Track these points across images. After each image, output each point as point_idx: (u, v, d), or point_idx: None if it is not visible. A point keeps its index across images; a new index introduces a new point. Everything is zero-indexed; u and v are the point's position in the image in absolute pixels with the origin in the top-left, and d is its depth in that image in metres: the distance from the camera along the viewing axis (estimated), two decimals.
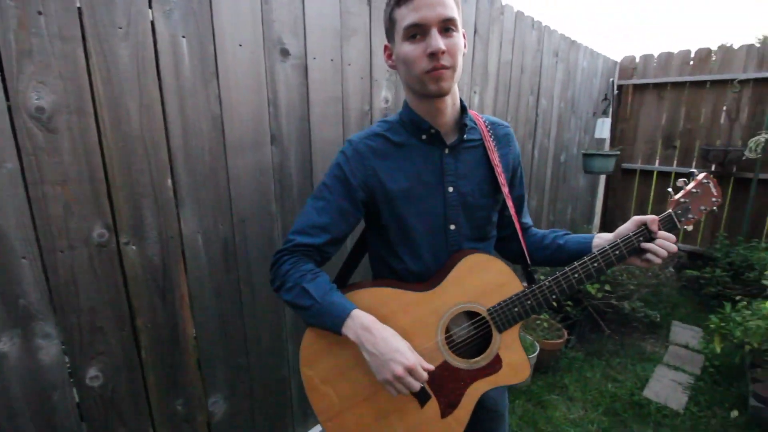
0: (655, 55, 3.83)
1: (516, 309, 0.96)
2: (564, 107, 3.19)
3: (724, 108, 3.51)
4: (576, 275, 0.96)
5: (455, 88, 0.91)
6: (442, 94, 0.87)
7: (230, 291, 1.32)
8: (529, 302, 0.96)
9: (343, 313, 0.85)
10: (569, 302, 2.83)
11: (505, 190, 1.02)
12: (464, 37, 0.88)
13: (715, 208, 1.02)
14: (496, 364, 0.97)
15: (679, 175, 3.83)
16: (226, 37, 1.16)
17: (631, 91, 3.95)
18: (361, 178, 0.94)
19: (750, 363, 2.37)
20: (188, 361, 1.25)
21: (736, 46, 3.44)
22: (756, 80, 3.33)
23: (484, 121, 1.03)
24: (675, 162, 3.84)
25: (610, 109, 3.53)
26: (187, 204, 1.17)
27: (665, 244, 0.96)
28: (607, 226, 4.26)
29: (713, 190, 1.01)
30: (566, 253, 1.07)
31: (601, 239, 1.03)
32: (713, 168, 3.58)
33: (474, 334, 1.00)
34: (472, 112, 1.02)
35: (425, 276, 1.00)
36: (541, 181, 3.10)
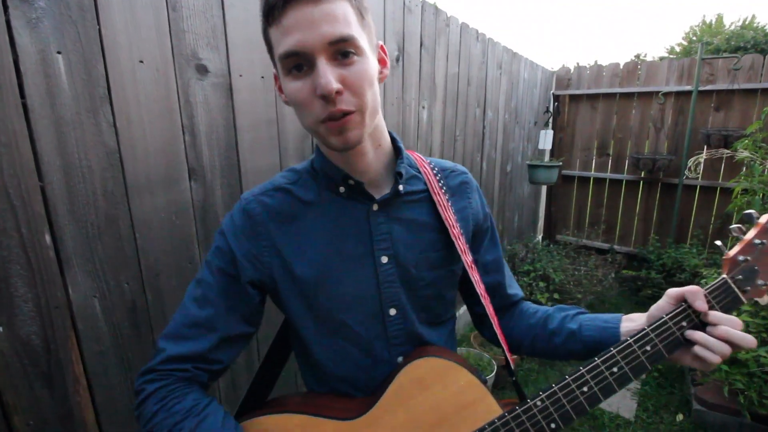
0: (588, 67, 3.99)
1: None
2: (509, 118, 3.21)
3: (650, 121, 3.73)
4: (586, 389, 0.62)
5: (379, 124, 0.68)
6: (349, 148, 0.62)
7: (144, 362, 1.08)
8: None
9: None
10: None
11: (467, 258, 0.76)
12: (384, 52, 0.66)
13: None
14: None
15: (613, 182, 4.03)
16: (121, 52, 0.93)
17: (567, 102, 4.09)
18: (251, 253, 0.68)
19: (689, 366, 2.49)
20: None
21: (658, 58, 3.66)
22: (677, 93, 3.56)
23: (432, 167, 0.78)
24: (609, 168, 4.04)
25: (551, 122, 3.61)
26: (76, 263, 0.92)
27: (727, 332, 0.60)
28: (550, 231, 4.39)
29: None
30: (582, 343, 0.73)
31: (633, 323, 0.70)
32: (643, 174, 3.80)
33: None
34: (414, 155, 0.79)
35: (362, 388, 0.74)
36: (490, 191, 3.08)
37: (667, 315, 0.64)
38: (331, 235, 0.70)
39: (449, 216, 0.75)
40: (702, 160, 2.59)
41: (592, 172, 4.12)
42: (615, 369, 0.62)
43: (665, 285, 3.33)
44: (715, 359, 0.60)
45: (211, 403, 0.65)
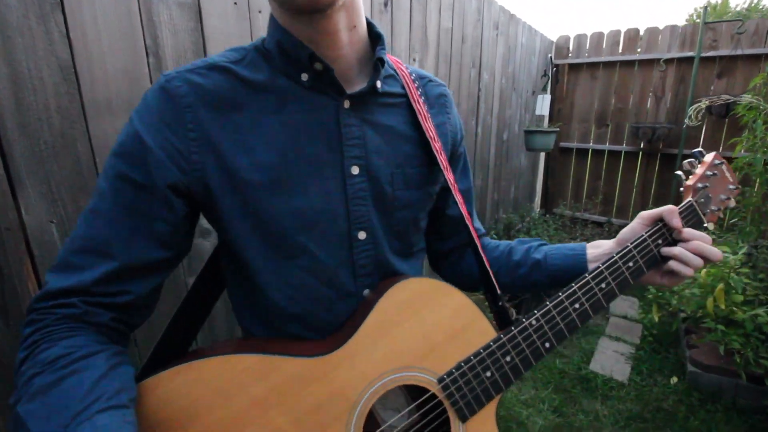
0: (588, 35, 3.88)
1: (489, 373, 0.59)
2: (505, 83, 3.12)
3: (651, 90, 3.64)
4: (578, 305, 0.62)
5: (355, 1, 0.55)
6: (319, 8, 0.49)
7: None
8: (509, 358, 0.60)
9: None
10: None
11: (450, 176, 0.67)
12: None
13: (734, 199, 0.75)
14: None
15: (612, 153, 3.96)
16: None
17: (566, 71, 3.99)
18: (173, 147, 0.52)
19: (685, 329, 2.46)
20: None
21: (661, 27, 3.56)
22: (679, 60, 3.46)
23: (410, 72, 0.68)
24: (608, 140, 3.96)
25: (549, 86, 3.52)
26: (29, 184, 0.86)
27: (699, 246, 0.64)
28: (547, 204, 4.33)
29: (728, 175, 0.75)
30: (548, 272, 0.71)
31: (599, 249, 0.70)
32: (642, 145, 3.73)
33: (419, 428, 0.61)
34: (390, 58, 0.67)
35: (319, 328, 0.61)
36: (485, 159, 3.01)
37: (646, 233, 0.66)
38: (288, 134, 0.55)
39: (430, 127, 0.65)
40: (704, 107, 2.51)
41: (591, 144, 4.04)
42: (603, 285, 0.63)
43: None
44: (689, 272, 0.64)
45: (95, 355, 0.46)
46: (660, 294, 2.42)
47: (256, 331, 0.64)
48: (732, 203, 0.75)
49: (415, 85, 0.67)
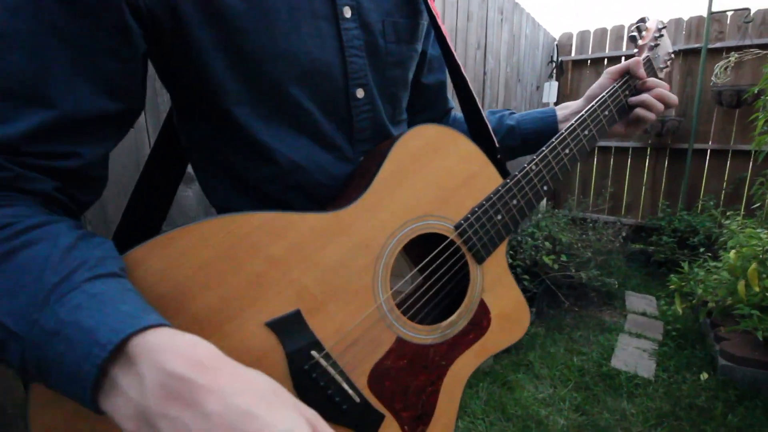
0: (592, 31, 3.84)
1: (500, 216, 0.61)
2: (510, 72, 3.03)
3: None
4: (567, 151, 0.66)
5: None
6: None
7: None
8: (515, 201, 0.62)
9: (87, 360, 0.30)
10: (526, 275, 2.62)
11: (441, 24, 0.63)
12: None
13: (671, 59, 0.84)
14: (482, 319, 0.60)
15: (619, 150, 3.86)
16: None
17: (570, 67, 3.93)
18: None
19: (710, 323, 2.28)
20: None
21: (665, 20, 3.52)
22: (685, 52, 3.41)
23: None
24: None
25: (555, 73, 3.45)
26: None
27: (660, 92, 0.71)
28: (554, 201, 4.20)
29: (668, 42, 0.83)
30: (521, 136, 0.76)
31: (568, 109, 0.76)
32: (650, 141, 3.63)
33: (439, 277, 0.61)
34: None
35: (320, 197, 0.56)
36: None
37: (616, 84, 0.72)
38: None
39: None
40: (732, 61, 2.40)
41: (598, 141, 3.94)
42: (586, 132, 0.69)
43: (678, 249, 3.13)
44: (652, 116, 0.72)
45: (51, 224, 0.36)
46: (683, 284, 2.26)
47: (240, 207, 0.55)
48: (669, 69, 0.88)
49: None
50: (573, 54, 3.91)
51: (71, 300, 0.31)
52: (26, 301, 0.32)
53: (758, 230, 1.89)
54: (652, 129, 3.46)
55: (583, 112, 0.69)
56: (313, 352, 0.45)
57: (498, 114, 0.80)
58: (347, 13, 0.51)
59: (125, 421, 0.29)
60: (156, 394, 0.29)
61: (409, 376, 0.54)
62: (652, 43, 0.78)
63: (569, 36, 3.94)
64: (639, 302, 2.93)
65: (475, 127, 0.69)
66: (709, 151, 3.43)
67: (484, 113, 0.69)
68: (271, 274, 0.45)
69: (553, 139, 0.66)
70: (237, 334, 0.42)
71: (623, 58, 3.68)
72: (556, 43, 3.73)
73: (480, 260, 0.61)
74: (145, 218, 0.57)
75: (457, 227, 0.58)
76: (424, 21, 0.62)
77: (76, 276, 0.33)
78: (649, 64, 0.76)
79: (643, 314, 2.76)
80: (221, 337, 0.42)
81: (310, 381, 0.45)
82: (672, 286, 2.28)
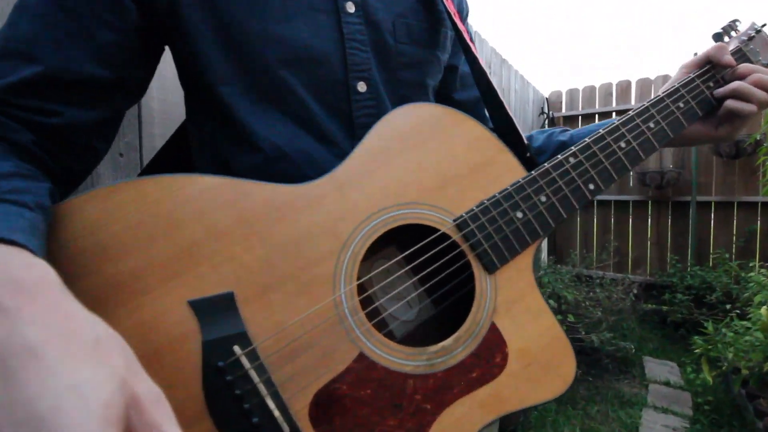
0: (580, 89, 3.91)
1: (520, 214, 0.49)
2: None
3: None
4: (623, 144, 0.54)
5: None
6: None
7: None
8: (544, 198, 0.50)
9: None
10: None
11: (468, 36, 0.60)
12: None
13: None
14: (491, 354, 0.43)
15: (619, 204, 3.74)
16: None
17: (561, 123, 3.94)
18: None
19: (747, 393, 1.97)
20: None
21: (652, 77, 3.58)
22: None
23: None
24: (612, 189, 3.76)
25: (547, 124, 3.42)
26: None
27: (760, 77, 0.58)
28: (556, 256, 3.98)
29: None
30: None
31: None
32: (650, 194, 3.52)
33: (430, 285, 0.50)
34: None
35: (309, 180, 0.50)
36: None
37: (694, 74, 0.61)
38: None
39: None
40: None
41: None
42: (651, 124, 0.57)
43: (695, 308, 2.86)
44: (751, 108, 0.58)
45: (1, 160, 0.37)
46: (710, 348, 1.98)
47: None
48: None
49: None
50: (564, 110, 3.95)
51: None
52: None
53: None
54: (650, 181, 3.36)
55: (645, 103, 0.58)
56: (236, 347, 0.36)
57: (546, 133, 0.72)
58: (350, 8, 0.51)
59: None
60: None
61: (374, 414, 0.39)
62: (744, 37, 0.66)
63: (558, 94, 4.00)
64: (660, 370, 2.61)
65: (498, 123, 0.61)
66: (713, 203, 3.30)
67: (509, 110, 0.60)
68: (208, 245, 0.38)
69: (600, 129, 0.55)
70: (152, 307, 0.36)
71: (614, 113, 3.70)
72: (545, 100, 3.77)
73: (490, 268, 0.46)
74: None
75: (457, 221, 0.47)
76: (447, 29, 0.60)
77: None
78: (741, 54, 0.63)
79: (667, 384, 2.43)
80: (134, 308, 0.35)
81: (222, 384, 0.35)
82: (697, 350, 2.00)
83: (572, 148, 0.53)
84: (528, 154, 0.57)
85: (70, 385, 0.22)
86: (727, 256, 2.98)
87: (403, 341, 0.44)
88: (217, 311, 0.37)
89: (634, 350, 2.65)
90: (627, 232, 3.71)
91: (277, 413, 0.35)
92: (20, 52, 0.40)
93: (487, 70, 2.51)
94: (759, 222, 3.10)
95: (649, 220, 3.59)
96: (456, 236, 0.46)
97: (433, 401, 0.40)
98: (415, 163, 0.46)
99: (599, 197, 3.79)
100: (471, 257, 0.46)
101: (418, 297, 0.49)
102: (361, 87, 0.52)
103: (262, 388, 0.36)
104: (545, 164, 0.52)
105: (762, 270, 1.97)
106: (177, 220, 0.38)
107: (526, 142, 0.57)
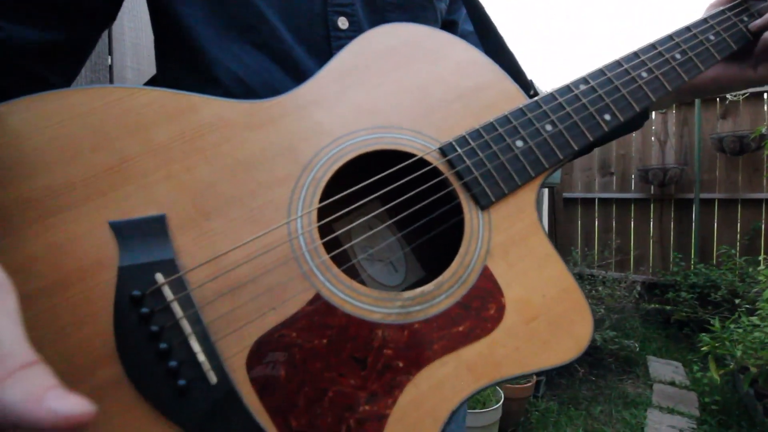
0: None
1: (520, 143, 0.42)
2: None
3: (653, 134, 3.50)
4: (645, 74, 0.48)
5: None
6: None
7: None
8: (549, 127, 0.43)
9: None
10: None
11: None
12: None
13: None
14: (483, 304, 0.36)
15: (620, 202, 3.68)
16: None
17: None
18: None
19: (755, 392, 1.91)
20: None
21: None
22: (678, 103, 3.37)
23: None
24: (614, 188, 3.71)
25: None
26: None
27: None
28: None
29: None
30: None
31: None
32: (652, 191, 3.46)
33: (404, 223, 0.42)
34: None
35: None
36: None
37: (725, 7, 0.55)
38: None
39: None
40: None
41: (596, 193, 3.78)
42: (677, 54, 0.50)
43: (700, 307, 2.80)
44: None
45: None
46: (717, 345, 1.92)
47: None
48: None
49: None
50: None
51: None
52: None
53: None
54: (653, 178, 3.30)
55: (668, 33, 0.52)
56: (158, 275, 0.30)
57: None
58: None
59: None
60: None
61: (329, 370, 0.31)
62: None
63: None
64: (664, 369, 2.54)
65: (501, 54, 0.55)
66: (717, 200, 3.24)
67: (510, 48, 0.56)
68: (143, 161, 0.33)
69: (619, 59, 0.49)
70: (67, 228, 0.30)
71: None
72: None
73: (482, 200, 0.39)
74: None
75: (444, 148, 0.40)
76: None
77: None
78: None
79: (672, 384, 2.36)
80: (45, 228, 0.30)
81: (136, 317, 0.29)
82: (704, 348, 1.94)
83: (584, 74, 0.47)
84: (532, 92, 0.51)
85: None
86: (733, 252, 2.92)
87: (376, 276, 0.38)
88: (143, 235, 0.31)
89: (637, 349, 2.58)
90: (629, 231, 3.65)
91: (201, 357, 0.29)
92: None
93: None
94: (763, 218, 3.04)
95: (652, 218, 3.53)
96: (438, 163, 0.39)
97: (406, 358, 0.33)
98: (395, 84, 0.39)
99: (601, 195, 3.74)
100: (458, 188, 0.39)
101: (401, 249, 0.43)
102: (342, 23, 0.47)
103: (186, 325, 0.29)
104: (551, 90, 0.45)
105: (760, 267, 1.91)
106: (107, 134, 0.32)
107: (529, 79, 0.51)
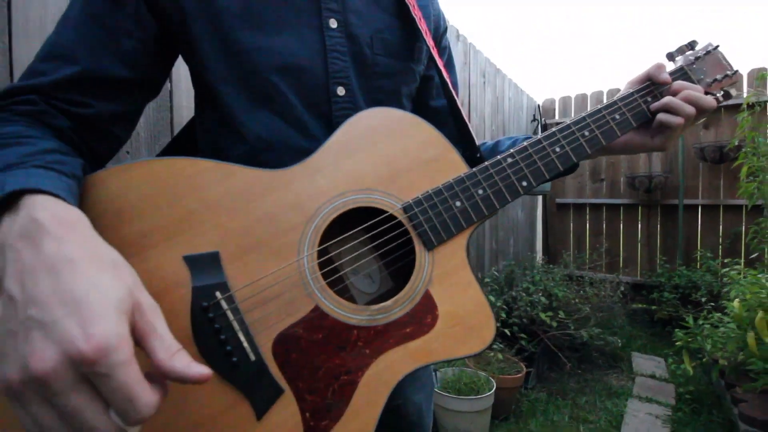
0: (573, 96, 4.06)
1: (459, 203, 0.56)
2: (496, 130, 3.13)
3: None
4: (558, 148, 0.60)
5: None
6: None
7: None
8: (481, 191, 0.57)
9: None
10: (523, 334, 2.46)
11: (438, 56, 0.68)
12: None
13: (733, 90, 0.72)
14: (425, 314, 0.52)
15: (610, 207, 3.87)
16: None
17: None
18: None
19: (725, 383, 2.09)
20: None
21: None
22: None
23: None
24: (604, 193, 3.90)
25: (539, 130, 3.56)
26: None
27: (690, 94, 0.63)
28: (549, 257, 4.11)
29: (723, 60, 0.71)
30: None
31: None
32: (640, 197, 3.65)
33: (379, 253, 0.57)
34: None
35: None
36: None
37: (634, 89, 0.67)
38: None
39: (413, 3, 0.66)
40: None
41: (588, 199, 3.97)
42: (586, 132, 0.63)
43: (682, 306, 2.99)
44: (679, 120, 0.63)
45: (45, 139, 0.45)
46: (689, 340, 2.11)
47: None
48: (733, 91, 0.72)
49: None
50: (557, 117, 4.09)
51: (13, 171, 0.39)
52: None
53: (759, 276, 1.80)
54: (639, 185, 3.50)
55: (583, 113, 0.64)
56: (217, 293, 0.46)
57: (512, 139, 0.77)
58: (333, 24, 0.59)
59: None
60: (15, 231, 0.34)
61: (322, 354, 0.48)
62: (692, 57, 0.71)
63: (552, 101, 4.15)
64: (647, 364, 2.73)
65: (457, 126, 0.70)
66: (700, 206, 3.43)
67: (464, 111, 0.69)
68: (201, 214, 0.47)
69: (538, 135, 0.61)
70: (155, 260, 0.44)
71: None
72: (539, 104, 3.92)
73: (429, 245, 0.54)
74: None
75: (404, 205, 0.55)
76: (423, 44, 0.67)
77: (30, 162, 0.40)
78: (682, 73, 0.69)
79: (652, 377, 2.54)
80: (141, 260, 0.44)
81: (205, 320, 0.45)
82: (678, 343, 2.12)
83: (511, 149, 0.60)
84: (479, 155, 0.66)
85: (95, 283, 0.31)
86: (709, 255, 3.11)
87: (351, 298, 0.54)
88: (205, 265, 0.46)
89: (620, 344, 2.77)
90: (618, 234, 3.84)
91: (246, 344, 0.45)
92: (63, 55, 0.50)
93: (482, 79, 2.71)
94: (743, 223, 3.23)
95: (639, 222, 3.72)
96: (401, 217, 0.54)
97: (371, 347, 0.50)
98: (373, 156, 0.54)
99: (592, 201, 3.93)
100: (413, 235, 0.54)
101: (378, 269, 0.58)
102: (340, 91, 0.60)
103: (236, 325, 0.45)
104: (486, 162, 0.58)
105: (737, 267, 2.10)
106: (178, 193, 0.47)
107: (476, 142, 0.67)
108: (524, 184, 0.59)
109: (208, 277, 0.46)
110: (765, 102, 3.11)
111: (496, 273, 2.67)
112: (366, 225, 0.54)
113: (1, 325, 0.30)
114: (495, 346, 2.31)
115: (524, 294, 2.65)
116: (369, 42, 0.62)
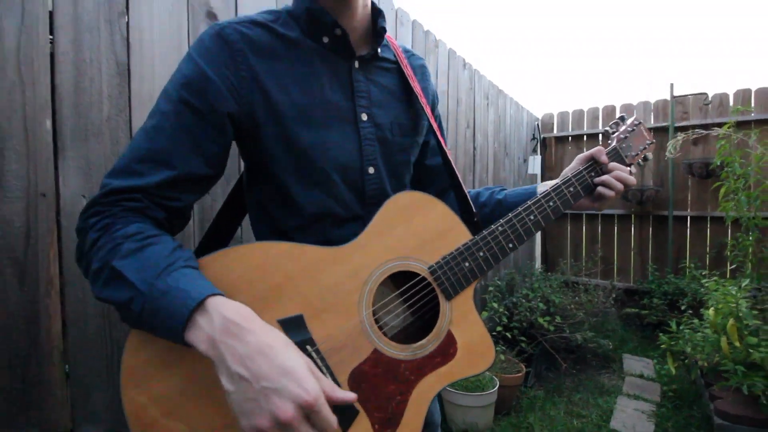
0: (570, 112, 4.29)
1: (467, 264, 0.73)
2: (498, 147, 3.37)
3: None
4: (532, 217, 0.80)
5: None
6: None
7: None
8: (482, 254, 0.75)
9: (184, 306, 0.50)
10: (523, 337, 2.69)
11: (435, 125, 0.85)
12: None
13: (650, 154, 0.97)
14: (448, 347, 0.71)
15: (605, 217, 4.10)
16: None
17: (553, 143, 4.33)
18: (230, 83, 0.63)
19: (704, 382, 2.32)
20: (51, 372, 0.90)
21: (634, 103, 3.97)
22: (655, 129, 3.80)
23: (398, 45, 0.85)
24: None
25: (538, 147, 3.79)
26: (70, 156, 0.93)
27: (619, 174, 0.85)
28: (547, 264, 4.34)
29: (645, 132, 0.96)
30: (507, 208, 0.88)
31: (546, 186, 0.89)
32: (632, 208, 3.88)
33: (413, 305, 0.75)
34: None
35: (332, 242, 0.74)
36: None
37: (582, 168, 0.87)
38: (314, 83, 0.70)
39: (417, 87, 0.82)
40: (680, 139, 2.66)
41: (584, 209, 4.20)
42: (551, 203, 0.82)
43: (669, 312, 3.23)
44: (611, 194, 0.84)
45: (163, 235, 0.59)
46: (672, 343, 2.34)
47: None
48: (650, 155, 0.98)
49: (404, 55, 0.85)
50: (555, 131, 4.33)
51: (174, 275, 0.53)
52: (149, 274, 0.53)
53: (729, 287, 2.03)
54: (633, 198, 3.73)
55: (549, 188, 0.83)
56: (308, 347, 0.60)
57: (491, 189, 0.96)
58: (364, 117, 0.74)
59: (201, 344, 0.50)
60: (219, 329, 0.49)
61: (383, 382, 0.65)
62: (623, 135, 0.93)
63: (550, 116, 4.39)
64: (636, 365, 2.96)
65: (459, 198, 0.88)
66: (689, 217, 3.67)
67: (466, 189, 0.87)
68: (286, 285, 0.62)
69: (519, 208, 0.80)
70: None
71: (600, 134, 4.09)
72: (537, 122, 4.16)
73: (448, 297, 0.72)
74: (218, 240, 0.83)
75: (430, 268, 0.72)
76: (425, 121, 0.84)
77: (177, 263, 0.55)
78: (615, 152, 0.90)
79: (641, 376, 2.78)
80: None
81: None
82: (663, 346, 2.36)
83: (501, 220, 0.77)
84: (475, 219, 0.83)
85: (290, 357, 0.48)
86: (692, 265, 3.35)
87: (395, 339, 0.70)
88: (294, 325, 0.60)
89: (611, 347, 3.00)
90: (612, 242, 4.07)
91: (330, 379, 0.57)
92: (161, 160, 0.60)
93: (485, 101, 3.02)
94: (729, 235, 3.46)
95: (632, 231, 3.96)
96: (430, 278, 0.71)
97: (415, 374, 0.67)
98: (406, 230, 0.71)
99: (588, 211, 4.16)
100: (438, 291, 0.72)
101: (403, 310, 0.78)
102: (371, 170, 0.75)
103: (324, 370, 0.59)
104: (484, 231, 0.75)
105: (715, 277, 2.33)
106: (267, 270, 0.62)
107: (474, 210, 0.84)
108: (510, 246, 0.77)
109: (298, 334, 0.59)
110: (751, 121, 3.35)
111: (498, 282, 2.90)
112: (404, 288, 0.74)
113: (243, 395, 0.47)
114: (497, 348, 2.54)
115: (524, 300, 2.88)
116: (389, 127, 0.77)
